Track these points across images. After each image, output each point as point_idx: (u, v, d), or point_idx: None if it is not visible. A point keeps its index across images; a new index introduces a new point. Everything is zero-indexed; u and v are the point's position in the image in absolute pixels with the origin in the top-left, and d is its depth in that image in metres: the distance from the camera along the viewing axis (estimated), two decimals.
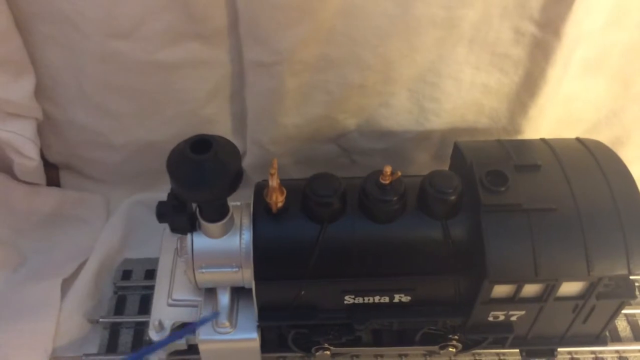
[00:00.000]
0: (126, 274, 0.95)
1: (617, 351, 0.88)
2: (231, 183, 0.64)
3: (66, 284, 0.90)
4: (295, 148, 0.93)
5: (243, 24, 0.77)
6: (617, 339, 0.90)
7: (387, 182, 0.68)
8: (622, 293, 0.71)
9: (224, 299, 0.76)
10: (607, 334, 0.80)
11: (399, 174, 0.68)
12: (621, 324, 0.92)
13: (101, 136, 0.92)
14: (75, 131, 0.92)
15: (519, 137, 0.89)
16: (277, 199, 0.68)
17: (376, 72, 0.81)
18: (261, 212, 0.71)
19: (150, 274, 0.92)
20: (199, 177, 0.62)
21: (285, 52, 0.78)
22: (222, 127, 0.91)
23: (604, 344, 0.80)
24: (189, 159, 0.62)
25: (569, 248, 0.68)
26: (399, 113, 0.88)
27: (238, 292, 0.77)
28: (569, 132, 0.93)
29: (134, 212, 1.01)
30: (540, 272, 0.67)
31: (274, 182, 0.67)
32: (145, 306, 0.90)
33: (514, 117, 0.87)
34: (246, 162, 0.96)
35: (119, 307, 0.91)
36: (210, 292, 0.77)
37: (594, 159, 0.73)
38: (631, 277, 0.69)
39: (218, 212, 0.69)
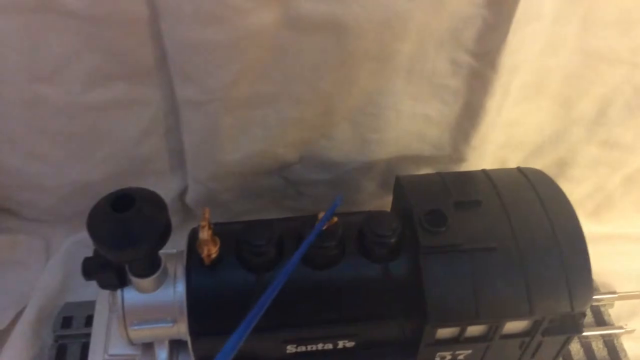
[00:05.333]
0: (67, 321, 0.91)
1: None
2: (158, 239, 0.61)
3: (4, 335, 0.87)
4: (237, 183, 0.91)
5: (172, 63, 0.74)
6: None
7: (324, 228, 0.66)
8: (568, 329, 0.70)
9: (162, 354, 0.73)
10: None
11: (335, 219, 0.66)
12: (574, 347, 0.92)
13: (34, 179, 0.88)
14: (6, 175, 0.88)
15: (463, 165, 0.88)
16: (210, 251, 0.66)
17: (313, 106, 0.79)
18: (195, 262, 0.68)
19: (92, 320, 0.89)
20: (123, 237, 0.59)
21: (218, 90, 0.75)
22: (159, 164, 0.88)
23: None
24: (111, 217, 0.59)
25: (511, 287, 0.66)
26: (341, 144, 0.86)
27: (178, 344, 0.74)
28: (514, 156, 0.92)
29: (74, 253, 0.97)
30: (482, 313, 0.66)
31: (204, 235, 0.64)
32: (86, 355, 0.87)
33: (457, 146, 0.86)
34: (189, 198, 0.93)
35: (60, 356, 0.87)
36: (148, 346, 0.74)
37: (534, 191, 0.72)
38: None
39: (148, 267, 0.66)
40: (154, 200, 0.62)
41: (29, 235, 0.99)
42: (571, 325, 0.70)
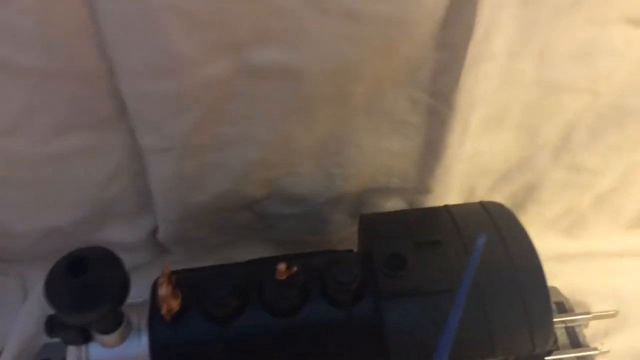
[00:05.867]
0: None
1: None
2: (116, 300, 0.61)
3: None
4: (208, 221, 0.91)
5: (131, 113, 0.74)
6: None
7: (284, 278, 0.66)
8: None
9: None
10: None
11: (295, 269, 0.66)
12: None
13: (2, 227, 0.88)
14: None
15: (430, 195, 0.88)
16: (170, 306, 0.66)
17: (276, 146, 0.79)
18: (157, 316, 0.68)
19: None
20: (79, 301, 0.59)
21: (177, 137, 0.75)
22: (127, 206, 0.88)
23: None
24: (66, 282, 0.59)
25: (472, 329, 0.66)
26: (307, 180, 0.87)
27: None
28: (482, 183, 0.92)
29: None
30: None
31: (162, 292, 0.64)
32: None
33: (423, 178, 0.86)
34: (161, 236, 0.94)
35: None
36: None
37: (495, 229, 0.72)
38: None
39: (110, 324, 0.66)
40: (109, 260, 0.62)
41: (4, 275, 0.99)
42: None
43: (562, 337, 0.95)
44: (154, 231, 0.95)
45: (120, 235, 0.92)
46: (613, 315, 0.98)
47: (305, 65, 0.68)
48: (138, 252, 0.96)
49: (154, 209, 0.90)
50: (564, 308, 0.98)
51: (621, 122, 0.83)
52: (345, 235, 0.97)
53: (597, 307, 0.98)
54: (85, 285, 0.59)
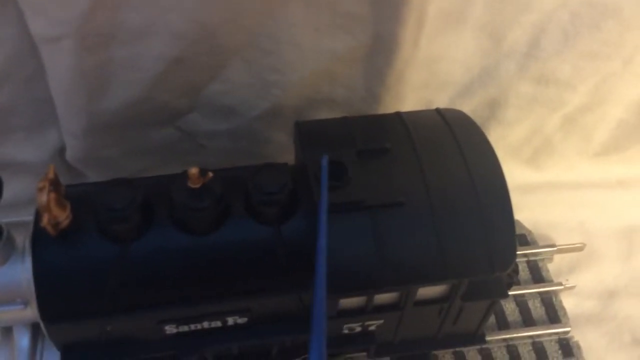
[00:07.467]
0: None
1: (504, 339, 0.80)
2: None
3: None
4: (122, 137, 0.78)
5: None
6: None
7: (197, 185, 0.55)
8: (491, 292, 0.61)
9: (23, 340, 0.62)
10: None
11: (210, 174, 0.55)
12: (509, 306, 0.83)
13: None
14: None
15: (380, 108, 0.77)
16: (55, 218, 0.53)
17: (195, 42, 0.66)
18: (43, 233, 0.56)
19: None
20: None
21: (72, 21, 0.62)
22: (24, 117, 0.75)
23: (482, 341, 0.71)
24: None
25: (421, 249, 0.56)
26: (237, 88, 0.74)
27: None
28: (439, 97, 0.82)
29: None
30: (388, 279, 0.56)
31: (42, 199, 0.52)
32: None
33: (371, 86, 0.74)
34: (69, 156, 0.80)
35: None
36: (8, 330, 0.63)
37: (452, 136, 0.62)
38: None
39: None
40: None
41: None
42: (495, 289, 0.61)
43: (524, 271, 0.86)
44: (62, 152, 0.82)
45: (21, 154, 0.79)
46: (579, 249, 0.89)
47: None
48: None
49: (58, 124, 0.77)
50: (526, 241, 0.89)
51: (597, 22, 0.73)
52: (287, 161, 0.86)
53: (562, 241, 0.89)
54: None
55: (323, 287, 0.45)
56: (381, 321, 0.63)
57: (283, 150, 0.85)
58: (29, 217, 0.60)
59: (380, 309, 0.61)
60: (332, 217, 0.55)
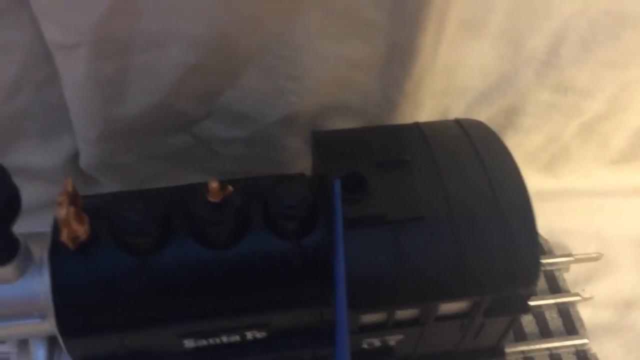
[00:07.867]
0: None
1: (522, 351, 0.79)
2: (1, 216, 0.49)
3: None
4: (137, 143, 0.78)
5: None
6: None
7: (217, 199, 0.54)
8: (513, 308, 0.60)
9: (40, 352, 0.61)
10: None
11: (230, 188, 0.54)
12: (525, 317, 0.82)
13: None
14: None
15: (397, 115, 0.76)
16: (74, 232, 0.53)
17: (212, 49, 0.66)
18: (62, 246, 0.55)
19: None
20: None
21: (88, 29, 0.61)
22: (37, 122, 0.75)
23: (501, 355, 0.70)
24: None
25: (442, 264, 0.55)
26: (253, 95, 0.73)
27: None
28: (456, 105, 0.81)
29: None
30: (410, 295, 0.55)
31: (61, 213, 0.51)
32: None
33: (388, 93, 0.73)
34: (83, 162, 0.80)
35: None
36: (24, 342, 0.63)
37: (473, 148, 0.61)
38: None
39: (1, 252, 0.53)
40: None
41: None
42: (517, 304, 0.60)
43: (540, 282, 0.85)
44: (75, 158, 0.81)
45: (34, 159, 0.78)
46: (596, 259, 0.88)
47: None
48: (59, 182, 0.82)
49: (72, 129, 0.76)
50: (542, 250, 0.88)
51: (617, 31, 0.72)
52: (303, 167, 0.85)
53: (578, 250, 0.88)
54: None
55: (344, 310, 0.45)
56: (401, 336, 0.62)
57: (298, 156, 0.84)
58: (45, 229, 0.59)
59: (401, 325, 0.60)
60: (353, 231, 0.55)
